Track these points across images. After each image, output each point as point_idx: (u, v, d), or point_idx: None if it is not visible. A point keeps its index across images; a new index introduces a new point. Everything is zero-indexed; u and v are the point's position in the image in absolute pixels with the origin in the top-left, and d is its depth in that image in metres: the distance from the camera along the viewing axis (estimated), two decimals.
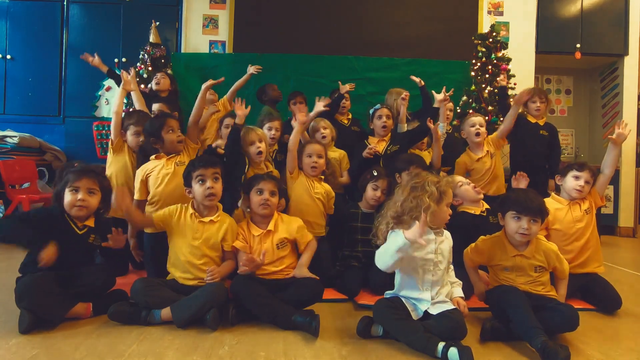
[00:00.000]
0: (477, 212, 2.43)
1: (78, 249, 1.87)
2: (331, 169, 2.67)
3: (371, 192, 2.47)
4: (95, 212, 1.92)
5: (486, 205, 2.46)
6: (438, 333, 1.58)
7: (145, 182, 2.35)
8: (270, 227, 2.03)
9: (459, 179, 2.49)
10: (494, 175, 2.99)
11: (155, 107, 3.22)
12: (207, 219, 1.97)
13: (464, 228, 2.14)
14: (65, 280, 1.76)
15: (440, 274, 1.74)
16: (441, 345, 1.51)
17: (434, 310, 1.68)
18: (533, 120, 3.37)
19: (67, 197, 1.84)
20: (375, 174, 2.48)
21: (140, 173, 2.37)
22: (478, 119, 3.03)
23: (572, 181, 2.29)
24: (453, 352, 1.48)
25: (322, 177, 2.57)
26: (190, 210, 1.99)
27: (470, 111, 4.01)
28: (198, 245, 1.93)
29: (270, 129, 2.94)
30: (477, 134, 2.97)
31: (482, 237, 2.01)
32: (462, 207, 2.47)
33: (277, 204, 2.09)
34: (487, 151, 3.01)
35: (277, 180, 2.15)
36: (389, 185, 2.45)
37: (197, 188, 1.96)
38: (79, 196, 1.83)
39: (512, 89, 4.11)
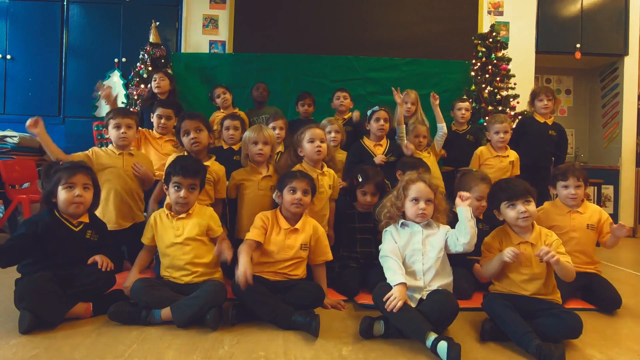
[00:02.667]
0: None
1: (76, 246, 1.86)
2: (329, 155, 2.56)
3: (361, 198, 2.48)
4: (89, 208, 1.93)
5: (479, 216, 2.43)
6: (429, 310, 1.63)
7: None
8: (299, 226, 2.03)
9: (481, 191, 2.38)
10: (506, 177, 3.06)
11: (158, 111, 3.18)
12: (183, 214, 1.97)
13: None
14: (66, 280, 1.76)
15: (432, 263, 1.78)
16: (432, 336, 1.54)
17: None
18: (542, 120, 3.39)
19: (63, 194, 1.83)
20: (360, 179, 2.47)
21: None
22: (502, 126, 3.10)
23: (562, 191, 2.31)
24: (442, 345, 1.49)
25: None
26: (166, 212, 1.99)
27: (490, 107, 4.00)
28: (182, 241, 1.92)
29: (274, 128, 2.93)
30: (501, 141, 3.10)
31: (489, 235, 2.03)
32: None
33: (310, 202, 2.09)
34: (508, 155, 3.13)
35: (310, 178, 2.12)
36: (377, 186, 2.44)
37: (172, 192, 1.96)
38: (76, 192, 1.84)
39: (512, 89, 4.12)
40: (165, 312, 1.75)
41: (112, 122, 2.50)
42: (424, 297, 1.73)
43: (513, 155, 3.16)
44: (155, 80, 3.57)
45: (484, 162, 3.15)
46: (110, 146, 2.58)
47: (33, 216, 1.91)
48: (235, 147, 2.83)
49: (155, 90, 3.58)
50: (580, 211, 2.29)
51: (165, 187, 2.02)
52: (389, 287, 1.68)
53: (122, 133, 2.49)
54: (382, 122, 2.97)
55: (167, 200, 2.09)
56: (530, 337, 1.57)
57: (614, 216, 4.83)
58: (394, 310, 1.60)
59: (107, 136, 2.58)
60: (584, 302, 2.20)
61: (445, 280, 1.79)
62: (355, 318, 1.89)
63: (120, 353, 1.49)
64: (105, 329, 1.69)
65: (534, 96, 3.48)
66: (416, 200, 1.84)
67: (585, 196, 2.36)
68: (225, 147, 2.95)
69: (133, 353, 1.50)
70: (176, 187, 1.95)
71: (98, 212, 2.42)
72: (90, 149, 2.50)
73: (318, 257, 2.08)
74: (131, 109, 4.15)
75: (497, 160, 3.11)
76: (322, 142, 2.43)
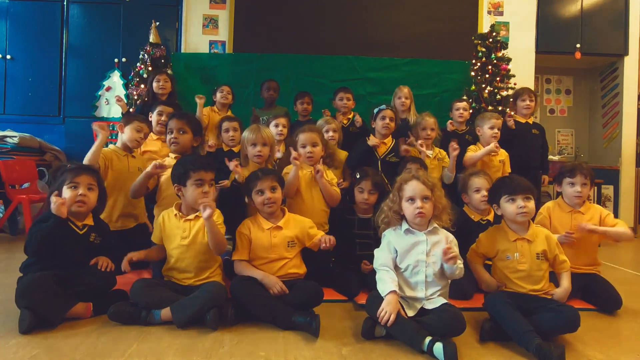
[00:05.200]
0: (476, 219, 2.41)
1: (80, 249, 1.87)
2: (329, 151, 2.56)
3: (358, 196, 2.44)
4: (92, 210, 1.93)
5: (490, 217, 2.41)
6: (437, 327, 1.59)
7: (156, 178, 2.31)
8: (281, 223, 2.02)
9: (478, 183, 2.40)
10: (497, 177, 3.01)
11: (159, 108, 3.20)
12: (192, 216, 1.95)
13: (456, 227, 2.05)
14: (66, 280, 1.76)
15: (435, 274, 1.74)
16: (428, 339, 1.54)
17: (429, 305, 1.71)
18: (523, 121, 3.41)
19: (67, 193, 1.84)
20: (358, 176, 2.44)
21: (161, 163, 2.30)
22: (498, 122, 3.07)
23: (568, 189, 2.29)
24: (438, 346, 1.49)
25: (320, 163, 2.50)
26: (174, 212, 1.98)
27: (490, 107, 4.00)
28: (188, 244, 1.90)
29: (277, 125, 2.93)
30: (494, 137, 3.04)
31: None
32: (467, 207, 2.47)
33: (282, 196, 2.06)
34: (498, 154, 3.08)
35: (274, 173, 2.10)
36: (375, 184, 2.41)
37: (193, 190, 1.92)
38: (80, 191, 1.85)
39: (512, 89, 4.12)
40: (165, 313, 1.74)
41: (131, 125, 2.59)
42: (425, 307, 1.71)
43: (503, 154, 3.12)
44: (159, 82, 3.57)
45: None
46: (112, 147, 2.60)
47: (42, 216, 1.86)
48: (236, 150, 2.83)
49: (159, 92, 3.58)
50: (582, 212, 2.27)
51: (178, 187, 1.97)
52: (381, 298, 1.67)
53: (140, 136, 2.58)
54: (387, 120, 2.97)
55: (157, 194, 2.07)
56: (530, 337, 1.56)
57: (614, 216, 4.82)
58: (387, 325, 1.59)
59: (122, 134, 2.64)
60: (584, 302, 2.20)
61: (445, 289, 1.78)
62: (355, 318, 1.89)
63: (120, 353, 1.49)
64: (105, 329, 1.69)
65: (516, 96, 3.50)
66: (412, 199, 1.77)
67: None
68: (225, 149, 2.95)
69: (133, 353, 1.50)
70: (199, 184, 1.92)
71: (105, 214, 2.44)
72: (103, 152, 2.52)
73: (313, 237, 2.05)
74: (130, 109, 4.16)
75: (487, 159, 3.06)
76: (314, 146, 2.44)
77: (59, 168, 1.95)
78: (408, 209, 1.78)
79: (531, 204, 1.86)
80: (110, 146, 2.63)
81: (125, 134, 2.60)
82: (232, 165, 2.33)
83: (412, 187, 1.78)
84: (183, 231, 1.93)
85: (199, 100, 3.56)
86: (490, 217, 2.41)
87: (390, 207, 1.83)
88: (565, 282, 1.88)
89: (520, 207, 1.84)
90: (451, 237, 1.80)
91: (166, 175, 2.27)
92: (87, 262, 1.88)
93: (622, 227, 2.18)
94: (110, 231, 2.09)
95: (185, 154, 2.36)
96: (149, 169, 2.20)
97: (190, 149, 2.45)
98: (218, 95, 3.71)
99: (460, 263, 1.72)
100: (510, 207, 1.87)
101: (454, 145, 2.93)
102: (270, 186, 2.01)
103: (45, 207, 1.94)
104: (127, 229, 2.57)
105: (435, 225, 1.80)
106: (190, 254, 1.91)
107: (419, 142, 2.97)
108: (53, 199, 1.76)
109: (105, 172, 2.48)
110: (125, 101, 3.62)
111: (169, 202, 2.24)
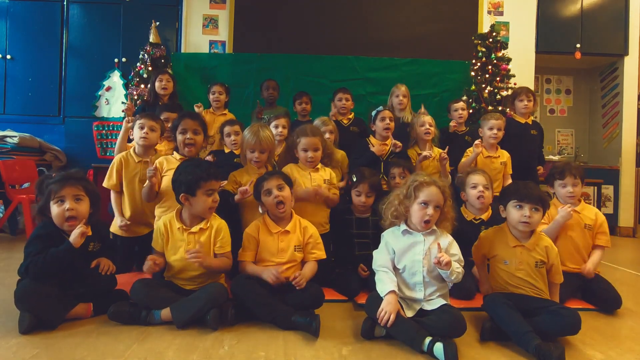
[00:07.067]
0: (469, 218, 2.41)
1: (79, 259, 1.79)
2: (327, 152, 2.56)
3: (355, 199, 2.44)
4: (88, 218, 1.82)
5: (484, 217, 2.40)
6: (437, 328, 1.59)
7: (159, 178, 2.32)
8: (289, 228, 2.02)
9: (475, 179, 2.40)
10: (498, 178, 3.02)
11: (163, 115, 3.15)
12: (196, 229, 1.89)
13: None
14: (68, 282, 1.75)
15: (433, 274, 1.73)
16: (428, 339, 1.54)
17: (428, 307, 1.71)
18: (522, 121, 3.40)
19: (54, 209, 1.74)
20: (354, 179, 2.44)
21: (157, 165, 2.33)
22: (497, 123, 3.03)
23: (560, 190, 2.31)
24: (439, 347, 1.49)
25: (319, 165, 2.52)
26: (177, 224, 1.91)
27: (490, 108, 4.00)
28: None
29: (276, 126, 2.93)
30: (494, 137, 3.01)
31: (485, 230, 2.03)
32: (463, 207, 2.48)
33: (291, 195, 2.06)
34: (499, 156, 3.07)
35: (280, 173, 2.12)
36: (372, 186, 2.40)
37: (204, 200, 1.87)
38: (67, 206, 1.73)
39: (513, 89, 4.11)
40: (165, 313, 1.74)
41: (137, 123, 2.55)
42: (424, 308, 1.71)
43: (504, 155, 3.09)
44: (161, 82, 3.57)
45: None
46: (131, 150, 2.60)
47: (40, 228, 1.79)
48: (237, 151, 2.82)
49: (161, 92, 3.58)
50: (578, 210, 2.29)
51: (185, 196, 1.89)
52: (381, 298, 1.67)
53: (144, 133, 2.51)
54: (387, 121, 2.96)
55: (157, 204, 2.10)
56: (530, 337, 1.57)
57: (614, 216, 4.84)
58: (387, 325, 1.59)
59: (131, 137, 2.66)
60: (584, 302, 2.20)
61: (444, 290, 1.77)
62: (355, 318, 1.89)
63: (120, 353, 1.49)
64: (105, 329, 1.69)
65: (514, 96, 3.47)
66: (425, 204, 1.73)
67: (583, 196, 2.36)
68: (226, 150, 2.95)
69: (133, 353, 1.50)
70: (210, 193, 1.89)
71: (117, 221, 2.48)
72: (119, 158, 2.54)
73: (311, 255, 2.05)
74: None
75: (488, 160, 3.02)
76: (315, 150, 2.45)
77: (43, 180, 1.83)
78: (417, 212, 1.75)
79: (537, 216, 1.83)
80: (131, 150, 2.61)
81: (134, 136, 2.58)
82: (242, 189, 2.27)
83: (430, 192, 1.75)
84: (187, 244, 1.87)
85: (197, 109, 3.57)
86: (485, 217, 2.40)
87: (402, 202, 1.80)
88: (555, 297, 1.91)
89: (525, 216, 1.81)
90: (450, 239, 1.79)
91: (169, 175, 2.26)
92: (87, 266, 1.84)
93: (598, 254, 2.28)
94: (108, 231, 2.07)
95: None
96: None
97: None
98: (210, 96, 3.71)
99: (456, 267, 1.70)
100: (516, 213, 1.85)
101: (443, 154, 2.87)
102: (276, 185, 2.02)
103: (38, 218, 1.82)
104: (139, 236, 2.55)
105: (435, 227, 1.79)
106: (194, 266, 1.86)
107: (424, 155, 2.91)
108: (78, 227, 1.70)
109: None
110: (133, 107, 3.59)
111: (171, 204, 2.25)
